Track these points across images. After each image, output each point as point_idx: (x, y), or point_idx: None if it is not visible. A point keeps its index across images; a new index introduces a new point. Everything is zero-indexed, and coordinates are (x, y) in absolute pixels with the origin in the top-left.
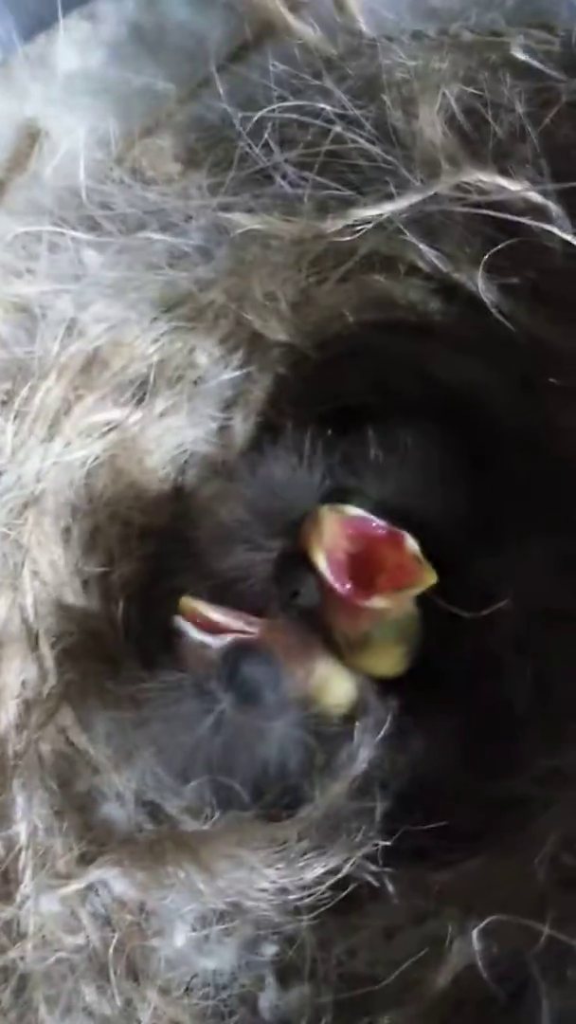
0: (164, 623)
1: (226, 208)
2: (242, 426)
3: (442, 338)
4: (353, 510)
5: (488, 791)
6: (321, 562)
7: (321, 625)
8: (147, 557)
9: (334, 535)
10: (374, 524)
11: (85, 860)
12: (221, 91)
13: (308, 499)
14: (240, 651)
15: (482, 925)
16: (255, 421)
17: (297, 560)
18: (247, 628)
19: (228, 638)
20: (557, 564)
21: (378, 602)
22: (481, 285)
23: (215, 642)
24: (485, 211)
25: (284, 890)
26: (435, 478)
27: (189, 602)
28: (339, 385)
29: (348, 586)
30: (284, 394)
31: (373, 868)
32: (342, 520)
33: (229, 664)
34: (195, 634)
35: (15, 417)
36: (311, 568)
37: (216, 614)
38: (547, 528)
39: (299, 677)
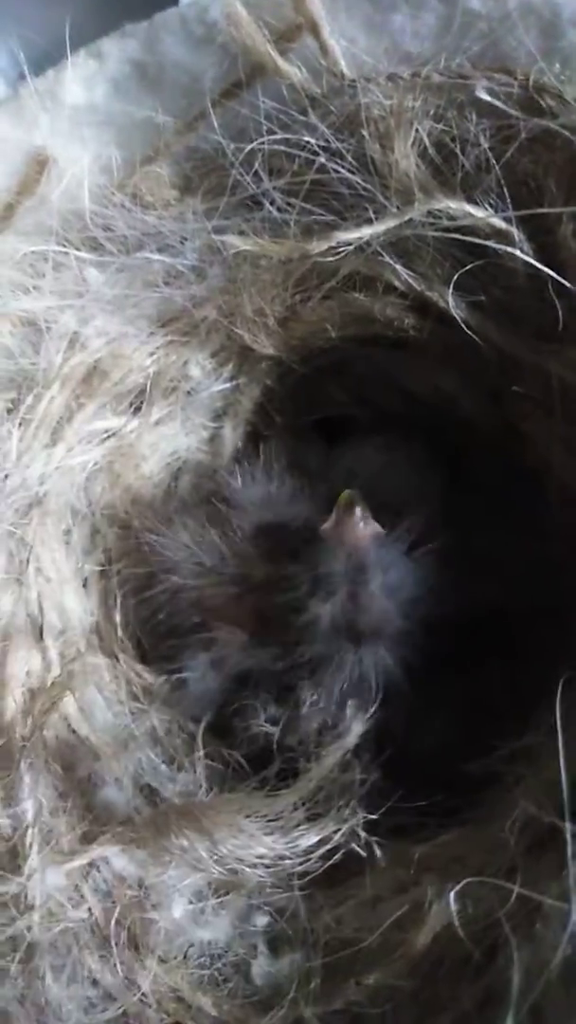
0: (159, 622)
1: (219, 231)
2: (231, 435)
3: (416, 352)
4: None
5: (464, 770)
6: None
7: None
8: (143, 559)
9: None
10: None
11: (87, 839)
12: (215, 124)
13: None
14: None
15: (458, 887)
16: (243, 430)
17: None
18: None
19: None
20: (522, 564)
21: None
22: (451, 302)
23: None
24: (454, 235)
25: (281, 857)
26: (410, 482)
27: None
28: (322, 397)
29: None
30: (271, 405)
31: (363, 835)
32: None
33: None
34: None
35: (20, 424)
36: None
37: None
38: (514, 529)
39: None
